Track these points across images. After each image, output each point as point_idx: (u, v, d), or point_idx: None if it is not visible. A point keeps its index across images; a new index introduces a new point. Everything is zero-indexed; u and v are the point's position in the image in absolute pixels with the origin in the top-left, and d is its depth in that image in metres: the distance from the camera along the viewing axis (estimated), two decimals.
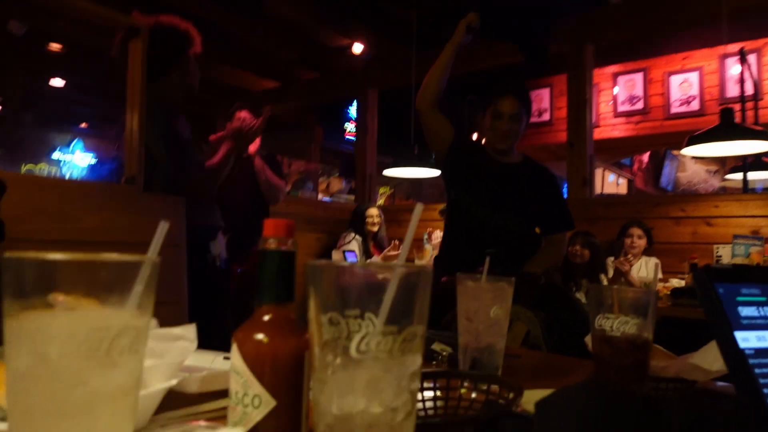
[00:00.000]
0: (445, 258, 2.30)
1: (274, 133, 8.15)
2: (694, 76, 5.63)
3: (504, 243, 2.09)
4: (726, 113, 3.03)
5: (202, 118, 5.98)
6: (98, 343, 0.36)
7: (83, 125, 9.53)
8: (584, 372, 0.92)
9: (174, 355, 0.59)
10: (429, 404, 0.66)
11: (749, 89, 4.13)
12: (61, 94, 7.63)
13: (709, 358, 0.78)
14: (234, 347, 0.47)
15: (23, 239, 1.12)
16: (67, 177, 9.03)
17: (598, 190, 6.87)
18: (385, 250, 4.39)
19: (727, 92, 5.35)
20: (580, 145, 4.16)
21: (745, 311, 0.55)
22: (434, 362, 0.97)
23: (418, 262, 4.18)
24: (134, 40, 1.68)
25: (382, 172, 4.95)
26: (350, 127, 8.54)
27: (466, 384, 0.67)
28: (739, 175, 4.10)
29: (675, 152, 7.83)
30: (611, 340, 0.76)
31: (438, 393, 0.66)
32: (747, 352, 0.51)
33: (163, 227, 0.47)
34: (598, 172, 7.14)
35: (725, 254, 3.27)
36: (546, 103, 6.53)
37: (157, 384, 0.58)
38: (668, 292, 2.89)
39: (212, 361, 0.78)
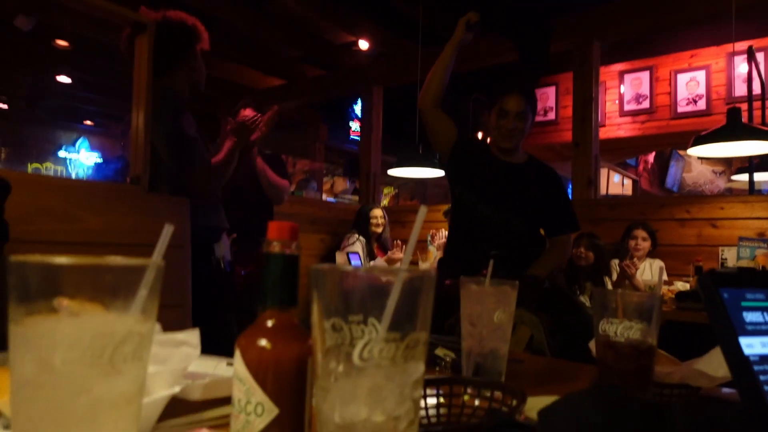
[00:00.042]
0: (449, 260, 2.30)
1: (279, 132, 8.16)
2: (701, 75, 5.59)
3: (508, 244, 2.09)
4: (733, 113, 3.01)
5: (207, 115, 6.00)
6: (102, 350, 0.36)
7: (89, 123, 9.57)
8: (588, 377, 0.91)
9: (177, 361, 0.59)
10: (432, 411, 0.65)
11: (757, 88, 4.10)
12: (67, 91, 7.66)
13: (714, 364, 0.78)
14: (237, 354, 0.47)
15: (27, 240, 1.12)
16: (72, 176, 9.07)
17: (603, 190, 6.85)
18: (389, 252, 4.38)
19: (734, 91, 5.32)
20: (586, 144, 4.15)
21: (750, 317, 0.54)
22: (437, 368, 0.96)
23: (421, 263, 4.17)
24: (140, 36, 1.68)
25: (386, 171, 4.95)
26: (355, 126, 8.55)
27: (469, 391, 0.67)
28: (745, 176, 4.08)
29: (681, 153, 7.79)
30: (615, 345, 0.75)
31: (441, 400, 0.66)
32: (752, 358, 0.51)
33: (167, 230, 0.47)
34: (604, 172, 7.11)
35: (730, 256, 3.25)
36: (551, 102, 6.50)
37: (161, 391, 0.58)
38: (673, 296, 2.87)
39: (215, 366, 0.78)
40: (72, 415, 0.36)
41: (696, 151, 3.18)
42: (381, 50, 5.50)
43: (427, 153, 4.23)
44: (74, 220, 1.19)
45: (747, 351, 0.51)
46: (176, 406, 0.63)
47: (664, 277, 3.36)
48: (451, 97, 2.23)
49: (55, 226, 1.17)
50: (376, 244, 4.48)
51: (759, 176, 4.09)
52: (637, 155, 7.76)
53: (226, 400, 0.57)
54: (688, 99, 5.65)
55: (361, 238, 4.36)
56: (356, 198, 6.90)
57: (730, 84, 5.39)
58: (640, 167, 8.12)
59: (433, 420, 0.65)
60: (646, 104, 5.92)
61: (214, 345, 0.85)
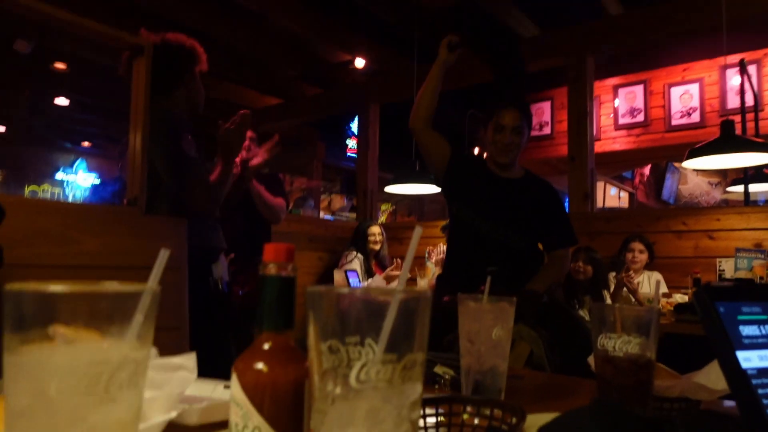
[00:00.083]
0: (447, 276, 2.29)
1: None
2: (694, 88, 5.65)
3: (506, 259, 2.09)
4: (726, 125, 3.03)
5: (205, 136, 6.02)
6: (97, 378, 0.36)
7: (86, 145, 9.60)
8: (588, 392, 0.91)
9: (174, 386, 0.59)
10: (432, 431, 0.65)
11: (750, 100, 4.14)
12: (65, 113, 7.70)
13: (713, 377, 0.78)
14: (234, 378, 0.47)
15: (24, 264, 1.12)
16: (70, 198, 9.07)
17: (599, 203, 6.87)
18: (387, 270, 4.37)
19: (727, 104, 5.37)
20: (582, 158, 4.17)
21: (747, 330, 0.54)
22: (437, 386, 0.96)
23: (420, 280, 4.16)
24: (138, 58, 1.70)
25: (383, 188, 4.96)
26: (352, 143, 8.59)
27: (468, 409, 0.66)
28: (740, 188, 4.10)
29: (676, 165, 7.83)
30: (614, 360, 0.75)
31: (441, 419, 0.65)
32: (749, 372, 0.51)
33: (163, 255, 0.47)
34: (600, 185, 7.14)
35: (728, 268, 3.25)
36: (547, 117, 6.55)
37: (157, 416, 0.57)
38: (671, 308, 2.86)
39: (213, 390, 0.77)
40: None
41: (691, 164, 3.20)
42: (377, 68, 5.55)
43: (423, 169, 4.25)
44: (71, 243, 1.19)
45: (744, 365, 0.51)
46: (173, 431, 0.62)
47: (664, 289, 3.35)
48: (446, 114, 2.26)
49: (51, 249, 1.17)
50: (374, 262, 4.47)
51: (754, 187, 4.12)
52: (633, 168, 7.80)
53: (224, 425, 0.56)
54: (682, 112, 5.70)
55: (359, 255, 4.35)
56: (354, 215, 6.90)
57: (723, 96, 5.44)
58: (636, 180, 8.15)
59: None
60: (640, 117, 5.97)
61: (213, 366, 0.84)
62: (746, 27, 4.06)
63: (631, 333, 0.75)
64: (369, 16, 4.63)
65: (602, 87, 6.10)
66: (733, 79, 5.21)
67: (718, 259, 3.38)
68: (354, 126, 8.19)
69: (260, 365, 0.47)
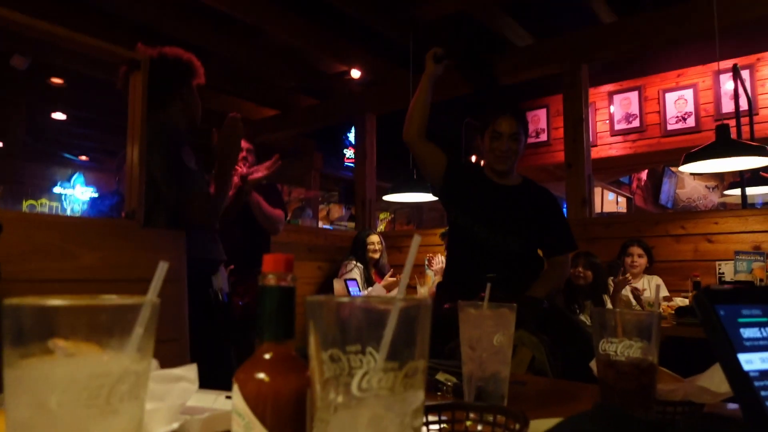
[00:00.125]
0: (448, 283, 2.29)
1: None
2: (689, 93, 5.68)
3: (506, 266, 2.09)
4: (722, 129, 3.05)
5: (202, 147, 6.03)
6: (98, 391, 0.36)
7: (84, 158, 9.61)
8: (591, 397, 0.91)
9: (175, 397, 0.58)
10: None
11: (744, 104, 4.17)
12: (63, 127, 7.72)
13: (716, 380, 0.78)
14: (235, 388, 0.47)
15: (22, 279, 1.12)
16: (68, 212, 9.07)
17: (597, 209, 6.89)
18: (386, 277, 4.37)
19: (722, 108, 5.40)
20: (578, 164, 4.19)
21: (747, 333, 0.54)
22: (439, 393, 0.96)
23: (420, 288, 4.15)
24: (135, 72, 1.71)
25: (381, 197, 4.97)
26: (349, 153, 8.61)
27: (471, 416, 0.66)
28: (737, 191, 4.11)
29: (673, 169, 7.86)
30: (616, 364, 0.75)
31: (443, 426, 0.65)
32: (751, 374, 0.51)
33: (162, 267, 0.47)
34: (597, 191, 7.16)
35: (728, 271, 3.25)
36: (543, 124, 6.58)
37: (158, 428, 0.57)
38: (672, 312, 2.86)
39: (214, 400, 0.77)
40: None
41: (687, 168, 3.21)
42: (373, 78, 5.58)
43: (421, 178, 4.26)
44: (69, 257, 1.19)
45: (746, 367, 0.51)
46: None
47: (665, 293, 3.35)
48: (442, 123, 2.28)
49: (49, 264, 1.17)
50: (374, 270, 4.47)
51: (751, 190, 4.13)
52: (630, 173, 7.83)
53: None
54: (678, 117, 5.73)
55: (358, 264, 4.35)
56: (352, 224, 6.90)
57: (717, 101, 5.47)
58: (634, 185, 8.18)
59: None
60: (636, 123, 6.00)
61: (214, 377, 0.84)
62: (738, 33, 4.10)
63: (633, 337, 0.75)
64: (364, 28, 4.67)
65: (597, 94, 6.14)
66: (727, 83, 5.24)
67: (717, 262, 3.38)
68: (351, 136, 8.22)
69: (262, 375, 0.47)
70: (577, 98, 4.25)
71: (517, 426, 0.62)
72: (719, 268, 3.33)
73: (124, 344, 0.39)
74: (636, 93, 6.01)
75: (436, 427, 0.65)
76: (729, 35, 3.72)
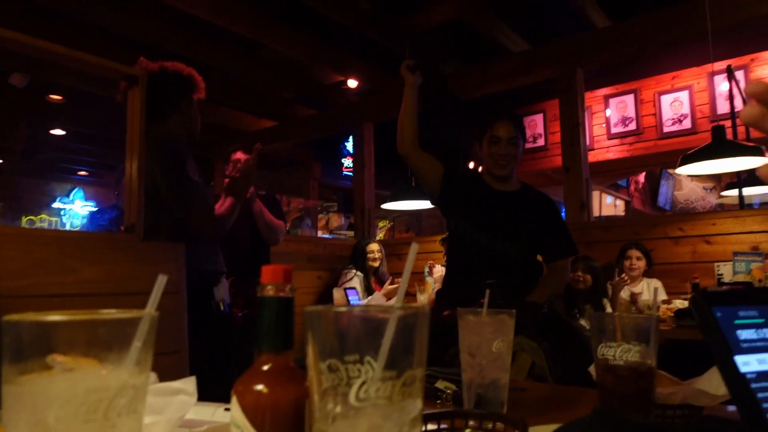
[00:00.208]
0: (448, 290, 2.29)
1: (272, 172, 8.25)
2: (684, 95, 5.70)
3: (506, 271, 2.09)
4: (717, 131, 3.06)
5: (201, 159, 6.06)
6: (96, 405, 0.36)
7: (83, 173, 9.63)
8: (590, 402, 0.91)
9: (173, 410, 0.58)
10: None
11: (739, 105, 4.18)
12: (62, 143, 7.73)
13: (715, 383, 0.78)
14: (234, 400, 0.47)
15: (22, 295, 1.12)
16: (67, 226, 9.07)
17: (596, 212, 6.89)
18: (385, 285, 4.36)
19: (717, 109, 5.41)
20: (576, 168, 4.19)
21: (744, 334, 0.55)
22: (439, 401, 0.96)
23: (419, 296, 4.15)
24: (133, 88, 1.72)
25: (380, 205, 4.97)
26: (348, 162, 8.63)
27: (471, 423, 0.66)
28: (734, 192, 4.12)
29: (670, 171, 7.87)
30: (614, 368, 0.75)
31: None
32: (748, 376, 0.51)
33: (161, 281, 0.47)
34: (596, 194, 7.16)
35: (726, 272, 3.25)
36: (540, 129, 6.60)
37: None
38: (672, 314, 2.86)
39: (213, 413, 0.77)
40: None
41: (684, 170, 3.22)
42: (369, 88, 5.60)
43: (419, 185, 4.26)
44: (69, 272, 1.19)
45: (743, 369, 0.51)
46: None
47: (663, 296, 3.35)
48: (440, 130, 2.30)
49: (49, 279, 1.17)
50: (374, 279, 4.46)
51: (748, 191, 4.14)
52: (628, 176, 7.84)
53: None
54: (674, 119, 5.74)
55: (358, 273, 4.34)
56: (352, 233, 6.90)
57: (713, 102, 5.49)
58: (632, 188, 8.18)
59: None
60: (632, 126, 6.01)
61: (215, 389, 0.84)
62: (731, 34, 4.12)
63: (631, 341, 0.75)
64: (360, 38, 4.69)
65: (593, 97, 6.16)
66: (722, 85, 5.26)
67: (716, 264, 3.38)
68: (349, 145, 8.24)
69: (260, 386, 0.47)
70: (573, 103, 4.27)
71: None
72: (718, 270, 3.33)
73: (122, 358, 0.39)
74: (632, 96, 6.04)
75: None
76: (722, 37, 3.74)
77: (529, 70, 4.61)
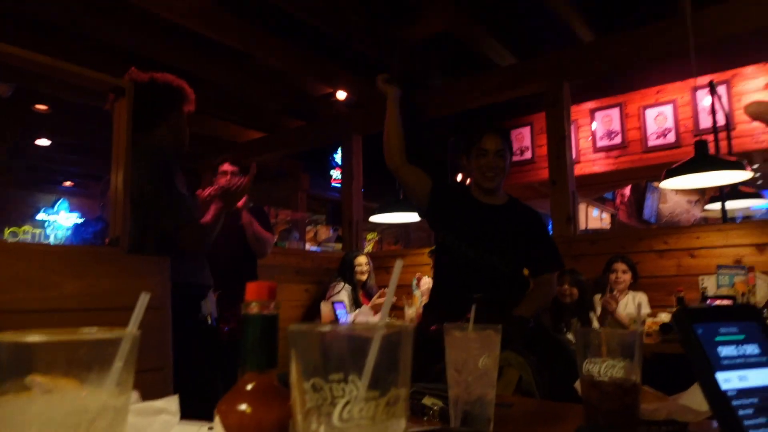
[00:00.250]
0: (435, 304, 2.29)
1: (260, 184, 8.21)
2: (668, 109, 5.79)
3: (492, 285, 2.09)
4: (700, 145, 3.10)
5: (189, 171, 6.03)
6: (75, 428, 0.36)
7: (68, 184, 9.52)
8: (577, 417, 0.91)
9: (156, 430, 0.58)
10: None
11: (721, 120, 4.25)
12: (47, 153, 7.65)
13: (698, 398, 0.78)
14: (217, 420, 0.47)
15: (2, 310, 1.10)
16: (51, 238, 8.95)
17: (582, 225, 6.94)
18: (374, 298, 4.34)
19: (700, 123, 5.50)
20: (562, 181, 4.23)
21: (725, 351, 0.55)
22: (426, 417, 0.95)
23: (407, 309, 4.13)
24: (120, 99, 1.71)
25: (368, 218, 4.96)
26: (336, 173, 8.62)
27: None
28: (717, 205, 4.16)
29: (655, 184, 7.96)
30: (599, 385, 0.76)
31: None
32: (729, 393, 0.52)
33: (143, 299, 0.47)
34: (582, 207, 7.22)
35: (710, 285, 3.27)
36: (527, 142, 6.65)
37: None
38: (657, 328, 2.87)
39: None
40: None
41: (668, 184, 3.25)
42: (358, 100, 5.62)
43: (407, 198, 4.27)
44: (52, 287, 1.18)
45: (724, 386, 0.52)
46: None
47: (647, 310, 3.36)
48: (427, 142, 2.32)
49: (31, 294, 1.15)
50: (362, 292, 4.44)
51: (731, 204, 4.19)
52: (614, 189, 7.91)
53: None
54: (658, 133, 5.82)
55: (346, 286, 4.32)
56: (339, 246, 6.88)
57: (696, 117, 5.58)
58: (618, 201, 8.26)
59: None
60: (618, 140, 6.09)
61: (200, 405, 0.83)
62: (713, 50, 4.19)
63: (616, 357, 0.76)
64: (348, 50, 4.72)
65: (579, 111, 6.23)
66: (705, 99, 5.35)
67: (700, 277, 3.41)
68: (337, 157, 8.24)
69: (243, 406, 0.47)
70: (560, 116, 4.32)
71: None
72: (702, 283, 3.36)
73: (103, 379, 0.38)
74: (617, 110, 6.11)
75: None
76: (705, 52, 3.81)
77: (516, 83, 4.66)
